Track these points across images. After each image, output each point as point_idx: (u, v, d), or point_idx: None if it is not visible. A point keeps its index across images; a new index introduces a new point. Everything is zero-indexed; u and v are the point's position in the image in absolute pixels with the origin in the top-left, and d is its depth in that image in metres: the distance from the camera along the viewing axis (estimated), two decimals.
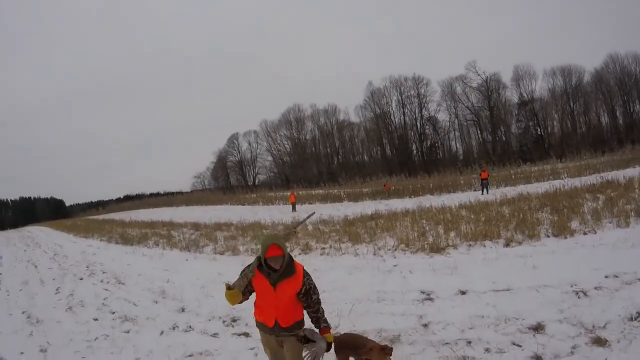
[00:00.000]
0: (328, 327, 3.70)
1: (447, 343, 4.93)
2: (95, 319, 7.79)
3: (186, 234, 18.81)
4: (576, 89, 61.55)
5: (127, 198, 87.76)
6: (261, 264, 3.53)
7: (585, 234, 9.40)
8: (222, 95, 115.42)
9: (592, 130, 60.49)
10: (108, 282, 10.99)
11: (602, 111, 62.80)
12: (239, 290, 3.53)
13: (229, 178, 76.39)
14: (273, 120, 73.65)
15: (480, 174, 27.62)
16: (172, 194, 74.41)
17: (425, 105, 66.51)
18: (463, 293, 6.51)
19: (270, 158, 74.86)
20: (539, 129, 63.42)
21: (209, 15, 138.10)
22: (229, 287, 3.51)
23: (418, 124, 66.96)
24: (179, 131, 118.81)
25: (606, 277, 6.18)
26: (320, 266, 9.51)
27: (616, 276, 6.14)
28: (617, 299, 5.43)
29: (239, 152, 76.12)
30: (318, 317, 3.70)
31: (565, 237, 9.29)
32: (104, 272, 12.40)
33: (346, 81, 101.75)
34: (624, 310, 5.05)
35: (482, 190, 25.38)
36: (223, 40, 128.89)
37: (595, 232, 9.34)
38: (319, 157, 71.21)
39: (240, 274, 3.60)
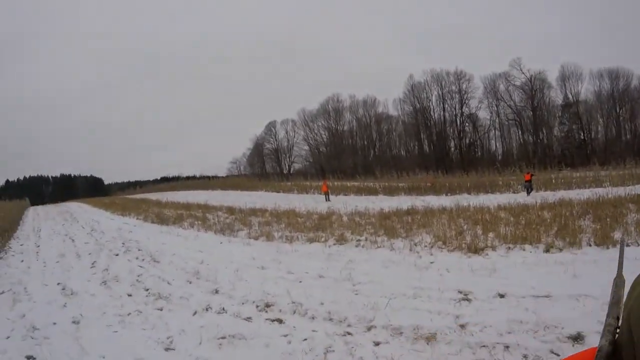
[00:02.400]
0: None
1: (484, 346, 4.81)
2: (129, 295, 7.90)
3: (221, 217, 19.01)
4: (623, 94, 58.37)
5: (164, 179, 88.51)
6: None
7: (628, 245, 8.99)
8: (262, 83, 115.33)
9: (637, 138, 57.87)
10: (143, 260, 11.16)
11: None
12: None
13: (265, 165, 76.24)
14: (311, 110, 72.68)
15: (524, 176, 27.25)
16: (208, 177, 74.81)
17: (466, 101, 64.03)
18: (502, 296, 6.36)
19: (306, 147, 74.22)
20: (582, 133, 60.45)
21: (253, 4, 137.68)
22: None
23: (458, 121, 64.55)
24: (219, 116, 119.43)
25: None
26: (355, 257, 9.49)
27: None
28: None
29: (276, 140, 75.73)
30: None
31: (608, 248, 9.03)
32: (139, 250, 12.61)
33: (386, 74, 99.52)
34: None
35: (528, 191, 24.93)
36: (265, 28, 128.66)
37: (639, 245, 9.03)
38: (355, 149, 70.00)
39: None
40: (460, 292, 6.63)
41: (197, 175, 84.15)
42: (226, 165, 79.49)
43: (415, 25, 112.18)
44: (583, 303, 5.83)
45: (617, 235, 9.77)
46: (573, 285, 6.59)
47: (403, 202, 21.78)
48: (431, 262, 8.69)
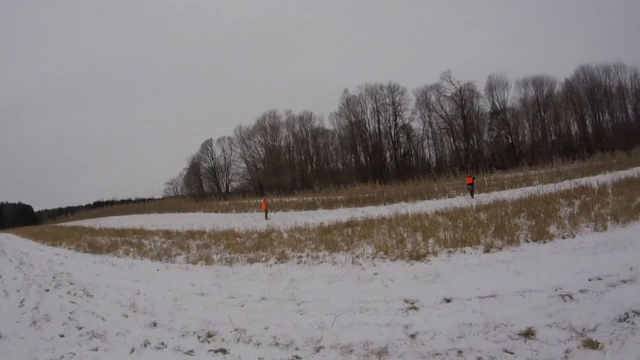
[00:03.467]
0: None
1: (437, 354, 4.73)
2: (61, 335, 7.32)
3: (157, 242, 18.34)
4: (547, 99, 63.48)
5: (97, 204, 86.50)
6: None
7: (564, 238, 9.44)
8: (197, 101, 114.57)
9: (562, 138, 62.39)
10: (75, 294, 10.46)
11: (572, 120, 64.80)
12: None
13: (202, 185, 75.75)
14: (248, 127, 73.21)
15: (467, 179, 28.10)
16: (144, 200, 73.80)
17: (400, 113, 67.27)
18: (448, 301, 6.33)
19: (244, 165, 74.32)
20: (510, 138, 64.77)
21: (186, 18, 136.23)
22: None
23: (392, 132, 67.49)
24: (152, 137, 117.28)
25: (590, 280, 6.15)
26: (298, 275, 9.26)
27: (600, 279, 6.13)
28: (604, 301, 5.37)
29: (213, 158, 75.41)
30: None
31: (545, 242, 9.33)
32: (71, 284, 11.85)
33: (322, 88, 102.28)
34: (613, 312, 4.99)
35: (472, 194, 25.92)
36: (198, 46, 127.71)
37: (574, 236, 9.42)
38: (293, 164, 70.61)
39: None
40: (406, 301, 6.54)
41: (132, 198, 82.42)
42: (162, 187, 77.72)
43: (350, 40, 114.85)
44: (529, 298, 5.87)
45: (553, 229, 10.09)
46: (516, 281, 6.66)
47: (342, 214, 21.85)
48: (375, 274, 8.60)
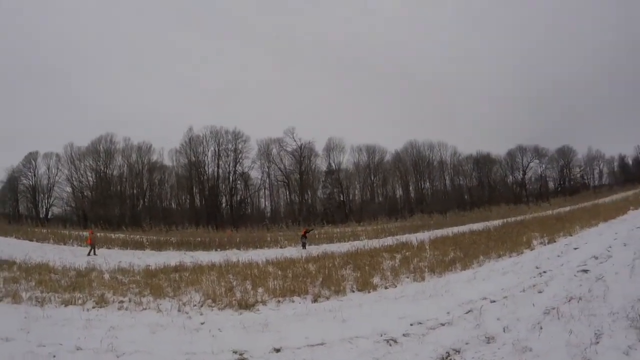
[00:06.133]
0: None
1: None
2: None
3: None
4: (378, 165, 72.71)
5: None
6: None
7: (386, 288, 10.29)
8: (23, 104, 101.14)
9: (388, 200, 71.40)
10: None
11: (398, 185, 75.34)
12: None
13: (19, 204, 65.82)
14: (80, 147, 65.82)
15: (302, 231, 28.76)
16: None
17: (241, 160, 67.69)
18: (278, 350, 6.37)
19: (69, 189, 66.35)
20: (342, 196, 70.64)
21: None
22: None
23: (231, 178, 67.42)
24: None
25: (412, 324, 6.69)
26: (118, 323, 8.55)
27: (421, 323, 6.67)
28: (426, 342, 5.84)
29: (35, 175, 66.00)
30: None
31: (369, 292, 9.93)
32: None
33: (168, 121, 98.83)
34: (435, 352, 5.50)
35: (304, 246, 26.22)
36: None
37: (396, 286, 10.25)
38: (124, 198, 65.68)
39: None
40: (235, 352, 6.43)
41: None
42: None
43: (201, 78, 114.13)
44: (356, 344, 6.15)
45: (377, 280, 10.71)
46: (344, 329, 6.93)
47: (171, 257, 20.97)
48: (202, 323, 8.32)
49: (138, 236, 35.97)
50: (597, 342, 5.36)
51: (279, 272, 13.29)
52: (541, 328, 6.07)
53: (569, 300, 7.19)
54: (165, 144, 68.69)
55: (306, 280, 11.46)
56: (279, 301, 9.79)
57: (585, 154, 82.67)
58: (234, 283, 12.10)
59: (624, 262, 9.45)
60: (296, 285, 10.87)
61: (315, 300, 9.68)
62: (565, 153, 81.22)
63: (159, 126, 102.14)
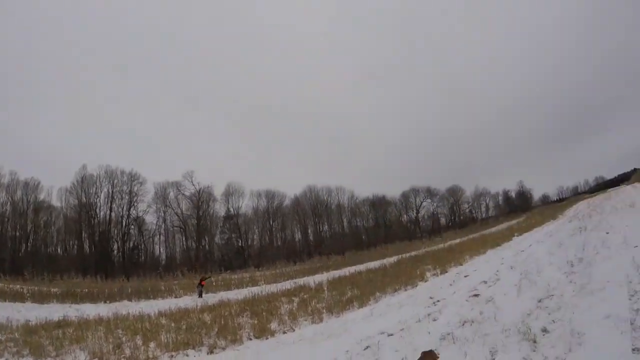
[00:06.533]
0: None
1: None
2: None
3: None
4: (276, 210, 73.33)
5: None
6: None
7: (284, 332, 10.05)
8: None
9: (286, 244, 71.66)
10: None
11: (297, 229, 76.42)
12: None
13: None
14: None
15: (200, 280, 27.73)
16: None
17: (136, 204, 63.21)
18: None
19: None
20: (240, 241, 69.25)
21: None
22: None
23: (124, 222, 62.29)
24: None
25: None
26: None
27: None
28: None
29: None
30: None
31: (267, 338, 9.67)
32: None
33: (60, 156, 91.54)
34: None
35: (200, 294, 25.28)
36: None
37: (294, 330, 10.07)
38: (5, 240, 56.06)
39: None
40: None
41: None
42: None
43: (96, 115, 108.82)
44: None
45: (274, 325, 10.43)
46: None
47: (55, 311, 19.34)
48: None
49: (18, 286, 32.73)
50: (493, 359, 5.45)
51: (173, 324, 12.56)
52: (438, 355, 6.07)
53: (463, 324, 7.34)
54: (55, 181, 62.64)
55: (201, 331, 10.92)
56: (171, 356, 9.22)
57: (472, 191, 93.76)
58: (124, 339, 11.20)
59: (512, 283, 10.04)
60: (190, 337, 10.31)
61: (210, 352, 9.23)
62: (454, 192, 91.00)
63: (49, 161, 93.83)
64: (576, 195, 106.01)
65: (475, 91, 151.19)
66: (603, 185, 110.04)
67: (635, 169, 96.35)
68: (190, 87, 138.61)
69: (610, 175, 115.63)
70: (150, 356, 9.23)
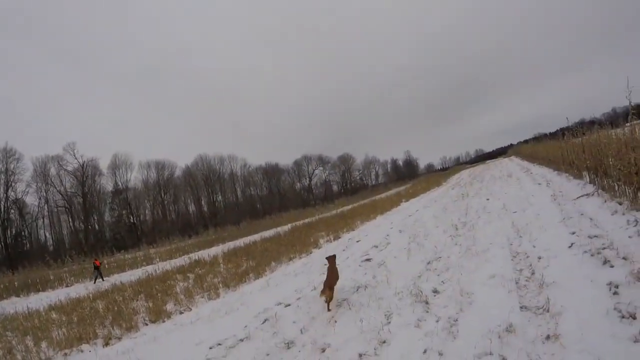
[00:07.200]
0: None
1: None
2: None
3: None
4: (168, 181, 70.77)
5: None
6: None
7: (181, 313, 9.85)
8: None
9: (181, 217, 69.26)
10: None
11: (190, 201, 75.03)
12: None
13: None
14: None
15: (94, 262, 26.03)
16: None
17: (13, 184, 54.52)
18: None
19: None
20: (132, 217, 65.94)
21: None
22: None
23: (2, 206, 53.06)
24: None
25: (211, 348, 6.44)
26: None
27: (220, 344, 6.49)
28: None
29: None
30: None
31: (164, 321, 9.45)
32: None
33: None
34: None
35: (95, 280, 23.72)
36: None
37: (191, 309, 9.97)
38: None
39: None
40: None
41: None
42: None
43: None
44: None
45: (170, 306, 10.19)
46: None
47: None
48: None
49: None
50: (389, 322, 5.69)
51: (64, 318, 11.70)
52: (335, 322, 6.21)
53: (357, 290, 7.56)
54: None
55: (94, 322, 10.29)
56: (65, 354, 8.56)
57: (363, 160, 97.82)
58: (14, 342, 10.18)
59: (401, 247, 10.55)
60: (83, 330, 9.64)
61: (106, 344, 8.71)
62: (346, 160, 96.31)
63: None
64: (458, 165, 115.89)
65: (365, 66, 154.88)
66: (482, 157, 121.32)
67: (511, 144, 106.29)
68: (55, 38, 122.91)
69: (489, 148, 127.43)
70: (43, 358, 8.61)
